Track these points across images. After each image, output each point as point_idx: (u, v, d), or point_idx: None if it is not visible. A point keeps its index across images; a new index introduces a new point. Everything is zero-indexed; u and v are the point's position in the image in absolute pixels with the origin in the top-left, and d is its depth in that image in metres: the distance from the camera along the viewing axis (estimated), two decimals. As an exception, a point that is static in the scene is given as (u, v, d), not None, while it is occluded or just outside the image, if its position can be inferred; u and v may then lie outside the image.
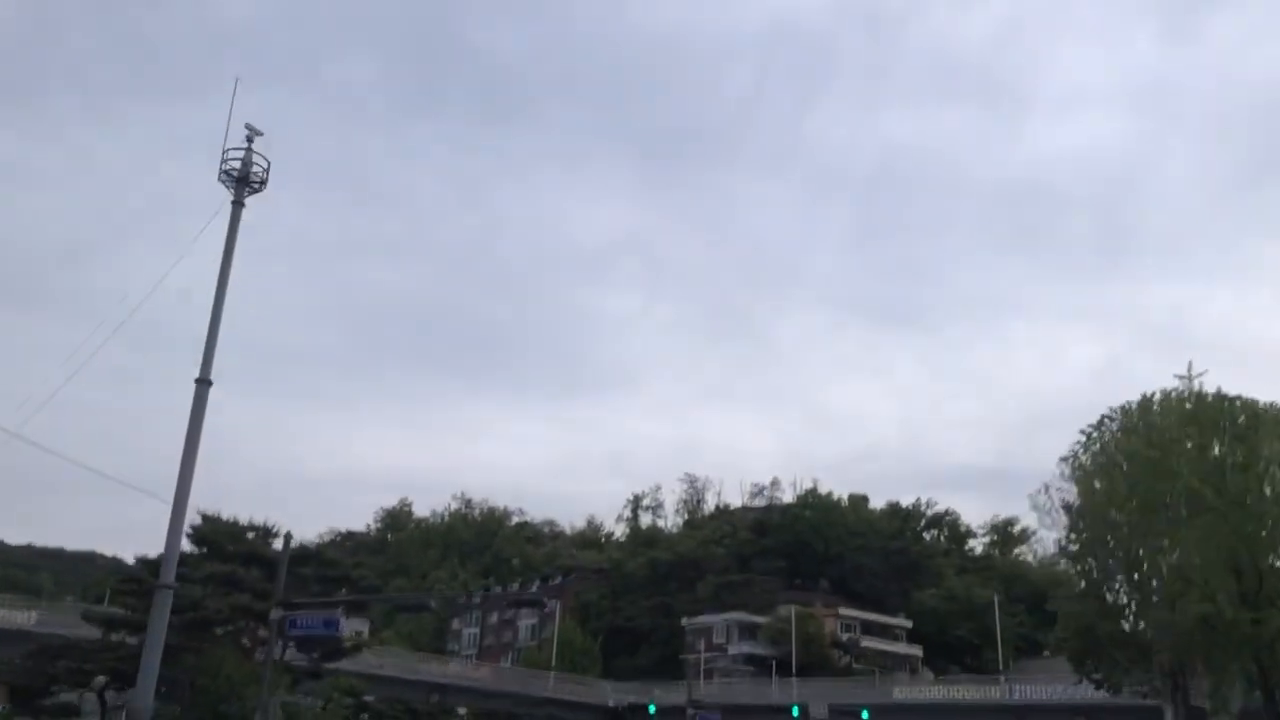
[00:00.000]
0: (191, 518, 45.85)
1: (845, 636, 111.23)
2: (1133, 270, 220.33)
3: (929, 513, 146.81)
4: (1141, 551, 43.30)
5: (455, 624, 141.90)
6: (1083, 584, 48.17)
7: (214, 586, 42.94)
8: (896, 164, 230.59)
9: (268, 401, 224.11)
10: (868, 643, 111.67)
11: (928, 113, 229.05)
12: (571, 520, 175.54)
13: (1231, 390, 43.52)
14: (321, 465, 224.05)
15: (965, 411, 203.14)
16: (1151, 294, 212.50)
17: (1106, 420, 44.98)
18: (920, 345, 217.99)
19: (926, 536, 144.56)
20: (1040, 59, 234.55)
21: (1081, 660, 48.53)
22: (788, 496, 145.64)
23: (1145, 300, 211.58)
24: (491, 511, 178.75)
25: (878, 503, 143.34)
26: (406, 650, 73.43)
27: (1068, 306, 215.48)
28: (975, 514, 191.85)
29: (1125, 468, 42.85)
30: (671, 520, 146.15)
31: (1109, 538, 44.44)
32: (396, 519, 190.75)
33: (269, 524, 46.60)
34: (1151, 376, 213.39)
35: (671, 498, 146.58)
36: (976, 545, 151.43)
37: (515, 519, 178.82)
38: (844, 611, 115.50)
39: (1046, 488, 46.77)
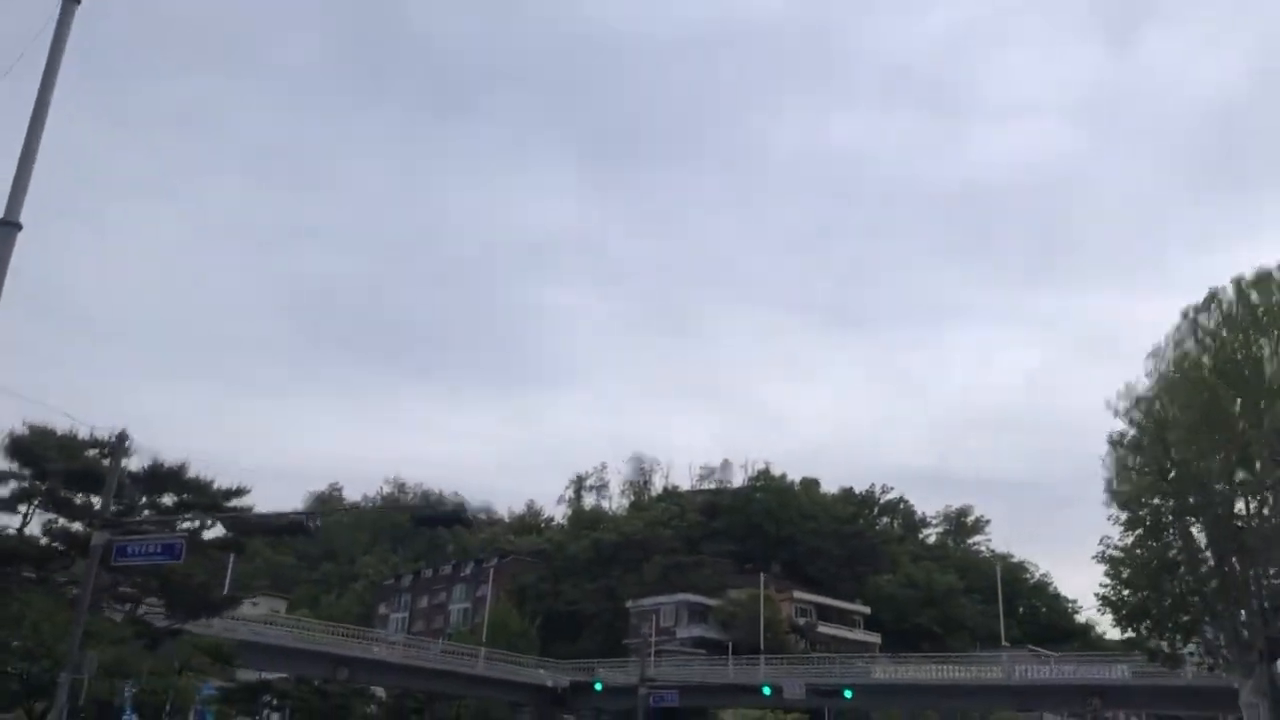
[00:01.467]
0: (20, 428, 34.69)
1: (801, 621, 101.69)
2: (1068, 278, 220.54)
3: (883, 499, 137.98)
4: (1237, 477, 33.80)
5: (382, 609, 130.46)
6: (1140, 530, 38.50)
7: (30, 509, 31.54)
8: (840, 167, 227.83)
9: (203, 387, 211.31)
10: (824, 628, 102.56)
11: (872, 117, 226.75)
12: (511, 506, 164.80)
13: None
14: (258, 454, 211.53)
15: (902, 412, 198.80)
16: (1086, 302, 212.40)
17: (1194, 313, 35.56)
18: (859, 347, 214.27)
19: (880, 524, 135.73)
20: (984, 67, 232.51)
21: (1138, 626, 38.97)
22: (738, 480, 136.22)
23: (1079, 308, 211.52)
24: (426, 496, 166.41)
25: (830, 488, 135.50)
26: (311, 619, 61.94)
27: (1003, 312, 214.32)
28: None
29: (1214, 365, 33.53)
30: (616, 502, 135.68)
31: (1191, 457, 35.15)
32: (326, 504, 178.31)
33: (117, 435, 34.94)
34: (1084, 383, 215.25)
35: (617, 478, 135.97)
36: (930, 534, 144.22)
37: (451, 503, 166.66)
38: (799, 595, 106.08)
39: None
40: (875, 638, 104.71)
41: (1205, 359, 34.85)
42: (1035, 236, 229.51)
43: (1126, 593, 39.39)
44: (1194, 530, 38.03)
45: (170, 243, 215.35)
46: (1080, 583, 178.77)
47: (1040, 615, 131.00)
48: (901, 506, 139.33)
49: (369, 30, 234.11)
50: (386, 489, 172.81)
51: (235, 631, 50.60)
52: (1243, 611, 36.99)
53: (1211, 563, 37.24)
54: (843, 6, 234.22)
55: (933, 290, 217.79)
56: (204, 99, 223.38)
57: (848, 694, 51.92)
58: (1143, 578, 38.66)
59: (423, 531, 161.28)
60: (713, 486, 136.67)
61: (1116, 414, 39.46)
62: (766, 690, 53.18)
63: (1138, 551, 38.85)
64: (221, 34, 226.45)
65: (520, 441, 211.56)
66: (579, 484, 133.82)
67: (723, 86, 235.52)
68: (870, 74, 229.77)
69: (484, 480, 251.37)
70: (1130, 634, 39.95)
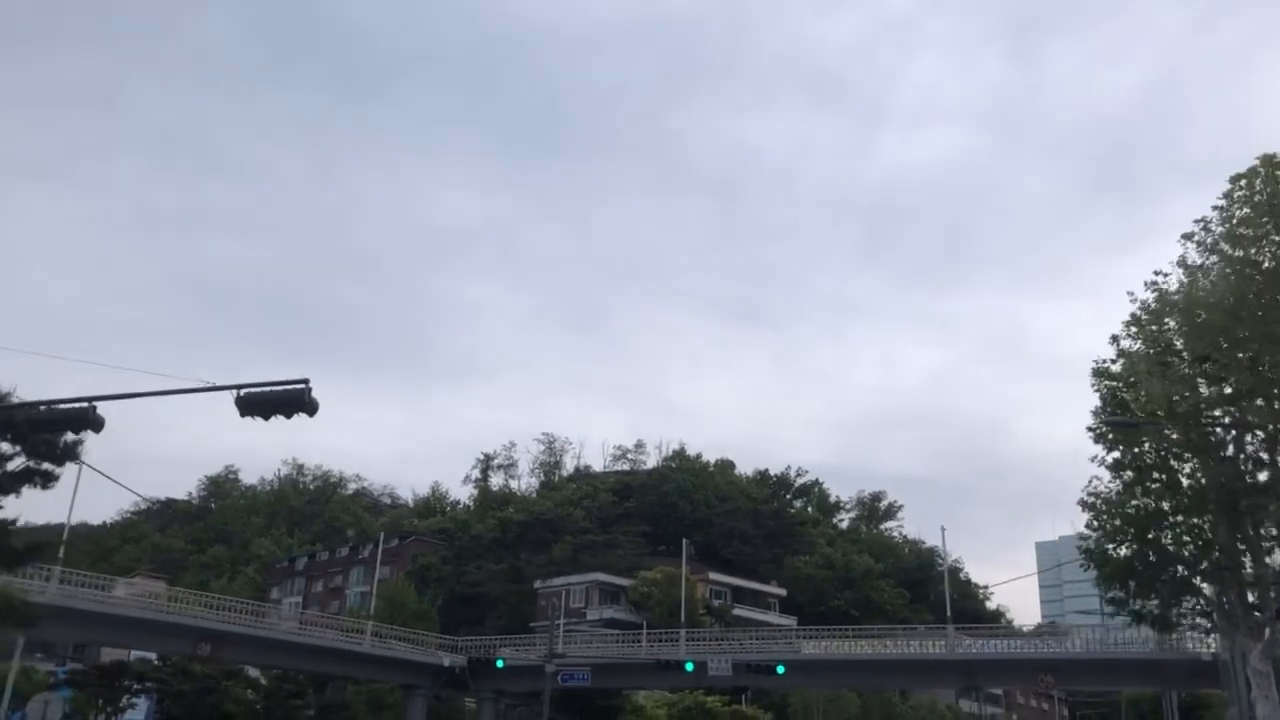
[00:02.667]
0: None
1: (716, 603, 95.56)
2: (973, 281, 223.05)
3: (798, 482, 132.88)
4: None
5: (275, 593, 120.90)
6: (1129, 473, 32.68)
7: None
8: (754, 165, 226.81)
9: (99, 378, 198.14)
10: (740, 611, 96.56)
11: (786, 117, 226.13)
12: (415, 489, 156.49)
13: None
14: (155, 445, 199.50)
15: (811, 410, 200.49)
16: (988, 304, 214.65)
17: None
18: (771, 344, 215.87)
19: (795, 506, 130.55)
20: (895, 72, 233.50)
21: (1124, 584, 33.23)
22: (652, 462, 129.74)
23: (983, 311, 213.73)
24: (326, 477, 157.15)
25: (745, 470, 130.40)
26: (177, 590, 53.56)
27: (911, 312, 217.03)
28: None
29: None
30: (526, 482, 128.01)
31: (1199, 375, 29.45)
32: (221, 487, 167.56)
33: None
34: (987, 384, 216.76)
35: (526, 458, 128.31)
36: (844, 519, 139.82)
37: (352, 486, 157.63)
38: (715, 577, 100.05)
39: None
40: (791, 621, 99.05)
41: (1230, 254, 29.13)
42: (941, 239, 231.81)
43: (1110, 546, 33.66)
44: (1192, 475, 32.28)
45: (64, 225, 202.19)
46: (984, 574, 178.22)
47: (953, 601, 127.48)
48: (816, 490, 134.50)
49: (279, 11, 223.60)
50: (284, 470, 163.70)
51: (76, 603, 42.39)
52: (1250, 568, 31.43)
53: (1210, 513, 31.53)
54: (760, 7, 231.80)
55: (841, 290, 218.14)
56: (102, 77, 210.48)
57: (780, 670, 45.60)
58: (1130, 529, 32.92)
59: (321, 514, 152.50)
60: (626, 468, 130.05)
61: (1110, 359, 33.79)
62: (690, 666, 46.64)
63: (1128, 501, 33.08)
64: (122, 10, 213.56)
65: (428, 434, 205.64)
66: (486, 463, 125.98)
67: (639, 82, 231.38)
68: (785, 75, 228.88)
69: (391, 471, 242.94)
70: (1117, 592, 34.09)
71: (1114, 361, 34.06)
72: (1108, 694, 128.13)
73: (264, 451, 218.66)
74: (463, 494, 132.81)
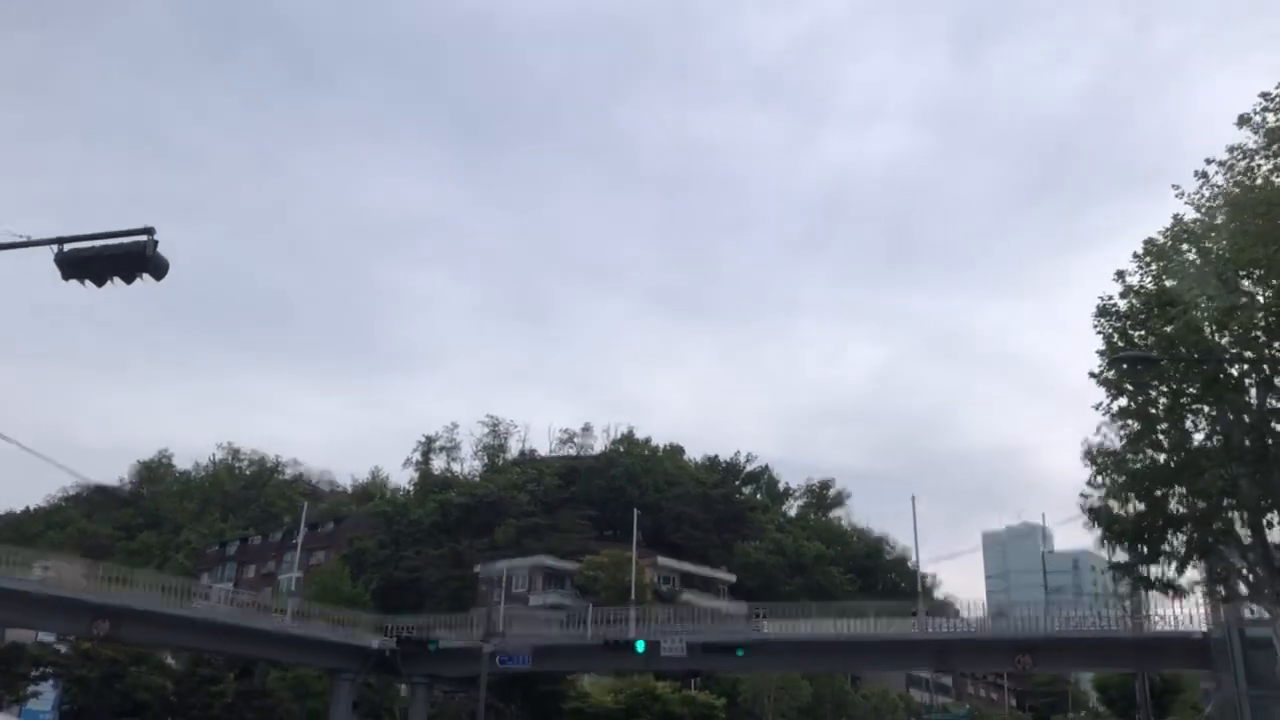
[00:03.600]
0: None
1: (665, 588, 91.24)
2: (916, 279, 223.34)
3: (747, 468, 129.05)
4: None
5: (205, 579, 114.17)
6: (1136, 423, 28.78)
7: None
8: (700, 161, 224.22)
9: (29, 368, 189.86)
10: (688, 596, 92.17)
11: (732, 113, 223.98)
12: (355, 475, 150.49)
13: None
14: (91, 433, 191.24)
15: (755, 404, 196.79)
16: (932, 303, 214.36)
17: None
18: (718, 338, 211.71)
19: (744, 492, 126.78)
20: (841, 70, 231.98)
21: (1134, 546, 29.32)
22: (599, 446, 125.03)
23: (925, 308, 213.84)
24: (262, 462, 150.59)
25: (694, 455, 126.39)
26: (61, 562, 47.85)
27: (854, 309, 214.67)
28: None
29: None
30: (469, 465, 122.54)
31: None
32: (154, 472, 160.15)
33: None
34: (930, 380, 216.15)
35: (469, 440, 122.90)
36: (792, 507, 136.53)
37: (289, 471, 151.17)
38: (662, 561, 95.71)
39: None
40: (741, 607, 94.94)
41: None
42: (885, 237, 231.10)
43: (1114, 504, 29.72)
44: (1211, 423, 28.37)
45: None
46: (930, 566, 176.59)
47: (900, 590, 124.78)
48: (765, 476, 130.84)
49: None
50: (219, 455, 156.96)
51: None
52: (1275, 528, 27.59)
53: (1234, 464, 27.64)
54: (707, 4, 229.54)
55: (787, 285, 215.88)
56: (38, 59, 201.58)
57: (740, 651, 41.32)
58: (1137, 486, 29.01)
59: (256, 499, 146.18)
60: (573, 452, 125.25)
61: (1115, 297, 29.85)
62: (640, 647, 42.14)
63: (1135, 455, 29.14)
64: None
65: (372, 424, 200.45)
66: (428, 446, 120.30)
67: (588, 74, 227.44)
68: (733, 71, 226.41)
69: (333, 460, 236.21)
70: (1122, 556, 30.15)
71: (1121, 297, 30.17)
72: (1057, 683, 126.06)
73: (200, 437, 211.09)
74: (403, 479, 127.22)
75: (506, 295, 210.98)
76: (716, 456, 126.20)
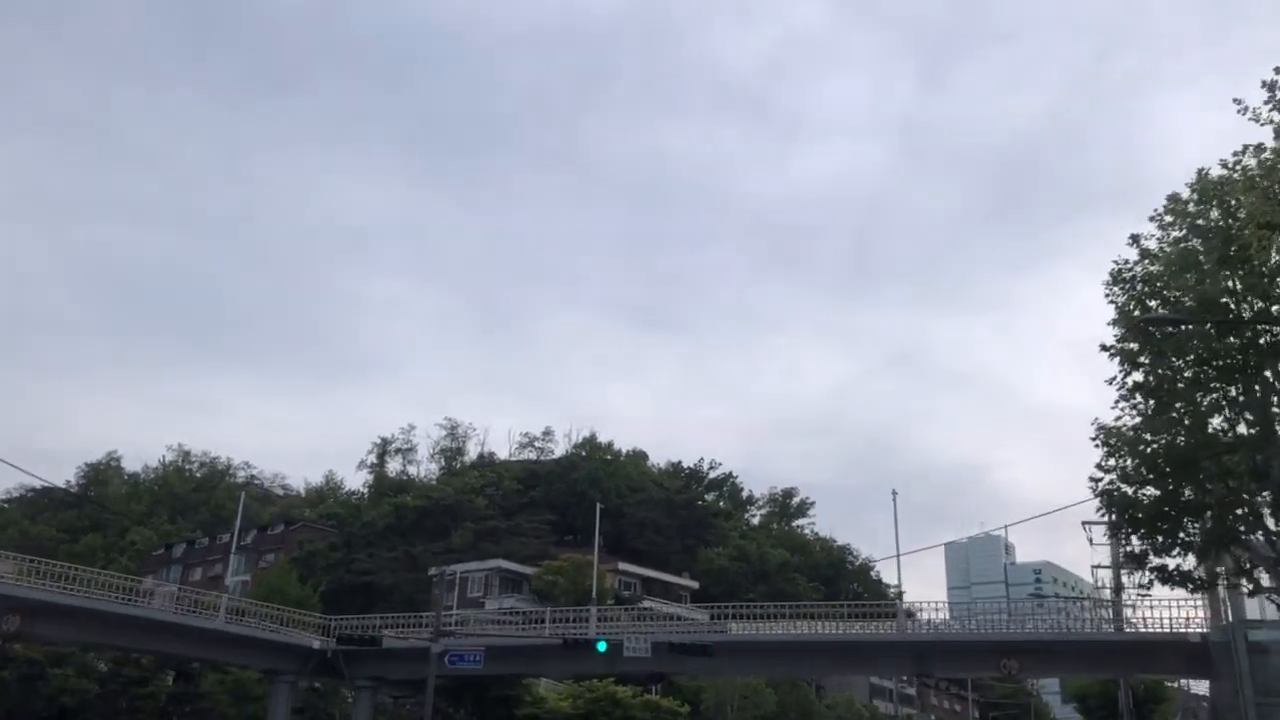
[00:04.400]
0: None
1: (626, 594, 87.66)
2: (877, 295, 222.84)
3: (711, 474, 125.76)
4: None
5: (149, 582, 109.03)
6: (1151, 400, 25.97)
7: None
8: (667, 174, 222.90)
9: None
10: (650, 602, 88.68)
11: (699, 127, 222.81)
12: (309, 479, 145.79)
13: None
14: (46, 437, 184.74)
15: (717, 416, 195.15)
16: (892, 319, 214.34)
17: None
18: (679, 350, 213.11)
19: (707, 499, 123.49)
20: (807, 88, 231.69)
21: (1151, 534, 26.40)
22: (560, 450, 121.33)
23: (886, 324, 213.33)
24: (213, 464, 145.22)
25: (658, 461, 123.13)
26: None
27: (816, 324, 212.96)
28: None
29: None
30: (425, 468, 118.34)
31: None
32: (101, 474, 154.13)
33: None
34: (889, 395, 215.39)
35: (426, 443, 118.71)
36: (755, 515, 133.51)
37: (241, 474, 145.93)
38: (623, 566, 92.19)
39: None
40: (704, 614, 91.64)
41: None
42: (847, 254, 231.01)
43: (1128, 489, 26.77)
44: (1238, 394, 25.52)
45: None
46: (890, 577, 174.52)
47: (864, 600, 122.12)
48: (729, 483, 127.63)
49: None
50: (169, 457, 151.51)
51: None
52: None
53: (1254, 450, 24.76)
54: (679, 16, 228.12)
55: (750, 300, 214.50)
56: (2, 58, 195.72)
57: (709, 651, 37.94)
58: (1153, 469, 26.07)
59: (206, 502, 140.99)
60: (533, 456, 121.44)
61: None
62: (602, 646, 38.65)
63: (1151, 436, 26.21)
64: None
65: (331, 430, 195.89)
66: (383, 448, 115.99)
67: (556, 86, 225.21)
68: (701, 86, 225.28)
69: (291, 466, 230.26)
70: (1136, 545, 27.16)
71: (1129, 268, 27.33)
72: (1020, 694, 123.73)
73: (155, 440, 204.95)
74: (358, 482, 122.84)
75: (469, 303, 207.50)
76: (680, 462, 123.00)
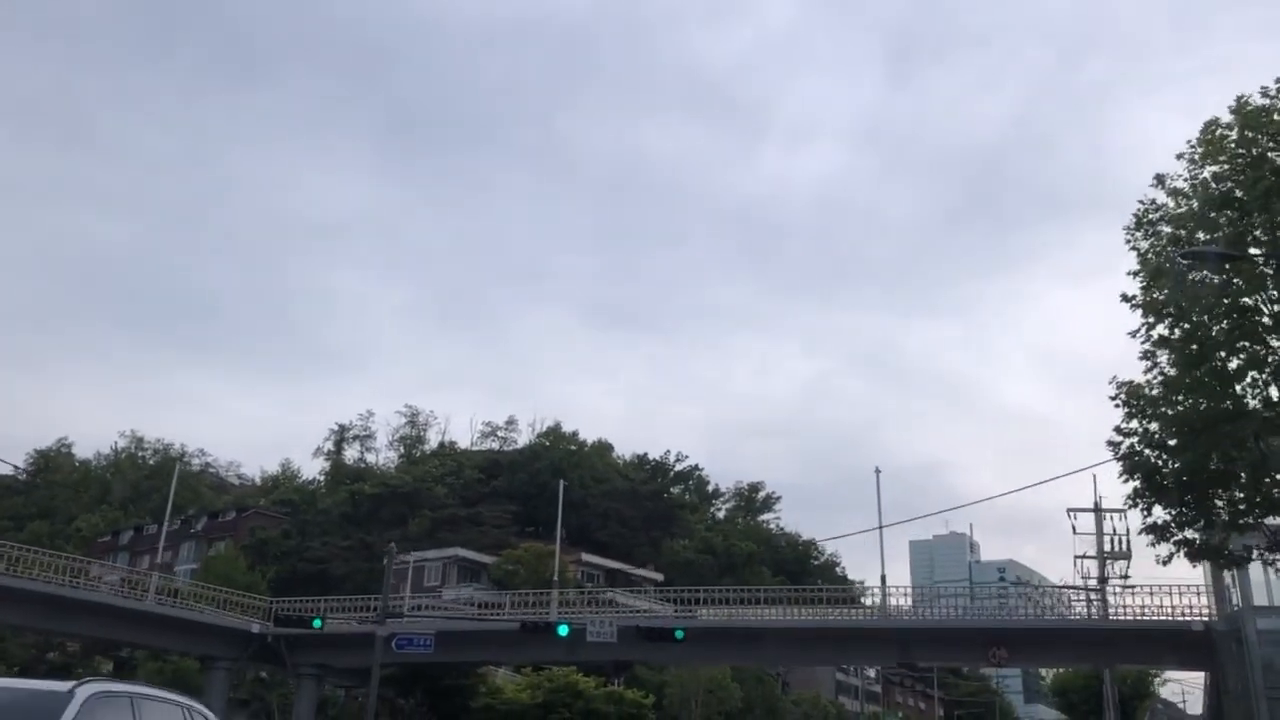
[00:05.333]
0: None
1: (589, 585, 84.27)
2: (845, 296, 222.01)
3: (677, 467, 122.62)
4: None
5: (95, 570, 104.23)
6: (1181, 351, 23.07)
7: None
8: (639, 171, 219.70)
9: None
10: (613, 595, 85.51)
11: (672, 125, 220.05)
12: (264, 466, 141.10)
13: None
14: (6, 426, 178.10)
15: (685, 414, 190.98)
16: (859, 320, 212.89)
17: None
18: (648, 348, 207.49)
19: (673, 491, 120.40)
20: (780, 89, 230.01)
21: (1179, 504, 23.48)
22: (524, 440, 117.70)
23: (853, 325, 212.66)
24: (166, 451, 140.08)
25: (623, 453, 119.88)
26: None
27: (784, 324, 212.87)
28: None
29: None
30: (384, 456, 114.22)
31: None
32: (51, 461, 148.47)
33: None
34: (856, 396, 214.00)
35: (385, 430, 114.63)
36: (721, 509, 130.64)
37: (196, 462, 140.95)
38: (587, 558, 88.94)
39: None
40: (668, 607, 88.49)
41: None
42: (817, 254, 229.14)
43: (1150, 453, 23.83)
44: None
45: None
46: (857, 575, 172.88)
47: (831, 596, 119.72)
48: (695, 476, 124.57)
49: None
50: (122, 444, 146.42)
51: None
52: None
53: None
54: (652, 14, 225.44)
55: (720, 298, 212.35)
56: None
57: (679, 635, 34.77)
58: (1182, 432, 23.12)
59: (158, 490, 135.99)
60: (496, 446, 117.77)
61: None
62: (564, 630, 35.31)
63: (1181, 397, 23.26)
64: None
65: (294, 424, 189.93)
66: (341, 435, 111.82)
67: (530, 81, 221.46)
68: (675, 84, 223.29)
69: (252, 457, 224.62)
70: (1160, 516, 24.22)
71: (1156, 207, 24.44)
72: (984, 693, 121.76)
73: (107, 428, 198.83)
74: (315, 470, 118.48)
75: (438, 298, 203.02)
76: (645, 454, 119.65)
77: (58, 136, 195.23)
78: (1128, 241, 25.03)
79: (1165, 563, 24.07)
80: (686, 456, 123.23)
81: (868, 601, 39.65)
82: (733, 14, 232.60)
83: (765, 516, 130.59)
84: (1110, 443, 24.57)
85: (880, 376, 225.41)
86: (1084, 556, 45.72)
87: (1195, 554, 23.97)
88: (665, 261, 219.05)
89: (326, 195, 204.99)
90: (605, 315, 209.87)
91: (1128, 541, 45.65)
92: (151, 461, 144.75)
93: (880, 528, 40.38)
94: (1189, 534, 23.91)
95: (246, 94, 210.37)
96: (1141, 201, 24.35)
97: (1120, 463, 23.95)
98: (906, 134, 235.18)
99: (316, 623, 36.69)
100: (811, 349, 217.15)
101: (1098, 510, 47.48)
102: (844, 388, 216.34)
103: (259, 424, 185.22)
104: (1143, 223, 24.56)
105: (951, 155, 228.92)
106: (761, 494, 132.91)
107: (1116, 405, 24.38)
